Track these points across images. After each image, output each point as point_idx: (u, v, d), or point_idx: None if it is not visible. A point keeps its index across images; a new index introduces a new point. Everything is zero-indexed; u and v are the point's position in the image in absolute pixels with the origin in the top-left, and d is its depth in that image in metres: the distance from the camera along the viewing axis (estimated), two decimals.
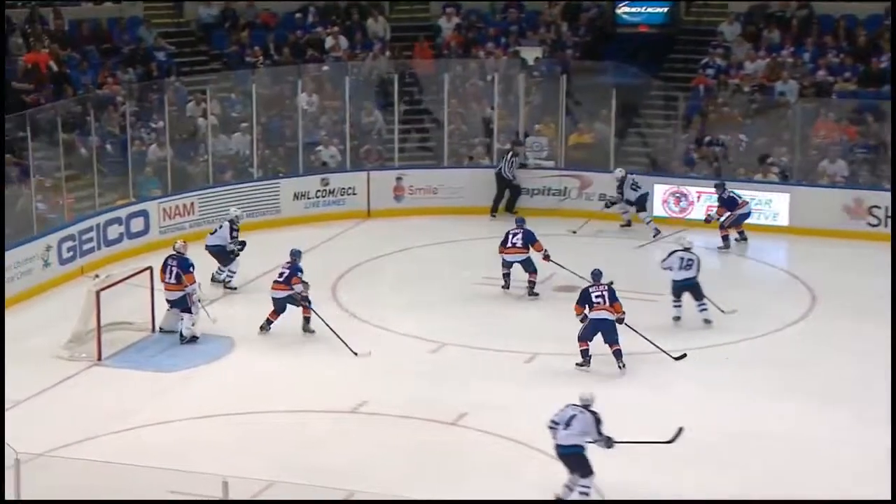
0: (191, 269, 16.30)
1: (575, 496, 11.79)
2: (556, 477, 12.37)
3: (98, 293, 15.83)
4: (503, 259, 17.91)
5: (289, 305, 16.32)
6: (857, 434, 13.50)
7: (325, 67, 24.14)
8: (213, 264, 18.20)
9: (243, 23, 25.26)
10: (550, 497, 12.02)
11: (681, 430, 12.07)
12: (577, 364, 15.28)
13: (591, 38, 25.19)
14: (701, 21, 25.32)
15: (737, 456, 13.07)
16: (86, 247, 19.16)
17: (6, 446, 11.29)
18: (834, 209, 20.69)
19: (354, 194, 22.28)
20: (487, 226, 21.23)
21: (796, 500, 11.89)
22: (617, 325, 15.26)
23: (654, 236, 20.56)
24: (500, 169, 22.02)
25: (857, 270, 18.87)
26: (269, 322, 16.40)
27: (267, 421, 14.02)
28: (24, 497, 10.88)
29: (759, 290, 18.61)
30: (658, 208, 21.80)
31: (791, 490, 12.25)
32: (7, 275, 17.50)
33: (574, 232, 20.77)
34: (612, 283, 15.55)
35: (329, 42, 24.96)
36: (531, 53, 24.44)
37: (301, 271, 16.33)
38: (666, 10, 25.25)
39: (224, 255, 18.18)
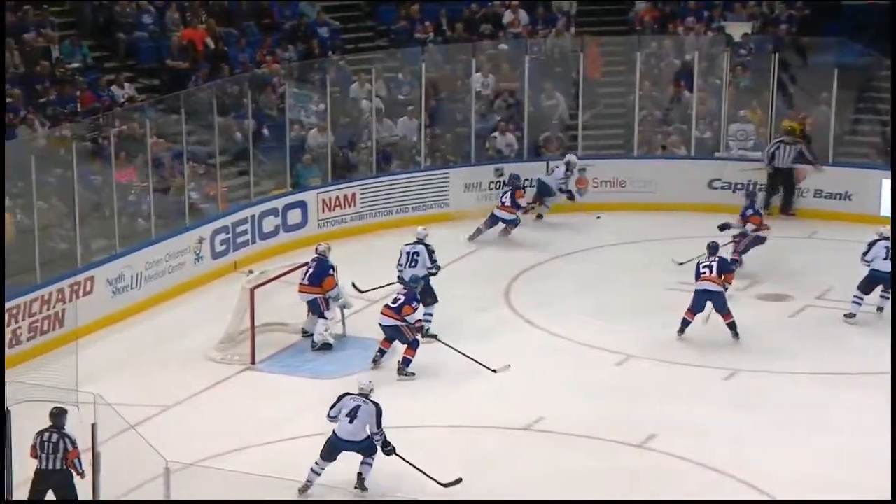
0: (330, 271, 16.52)
1: (365, 469, 12.71)
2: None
3: (252, 290, 16.18)
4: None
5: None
6: None
7: (503, 45, 24.25)
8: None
9: None
10: None
11: (459, 479, 12.67)
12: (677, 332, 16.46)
13: (809, 11, 24.76)
14: None
15: None
16: (240, 240, 19.67)
17: (154, 452, 11.79)
18: None
19: (532, 186, 22.26)
20: (682, 224, 21.11)
21: (797, 500, 11.81)
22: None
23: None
24: (772, 156, 21.84)
25: None
26: (381, 352, 15.93)
27: (430, 435, 14.27)
28: None
29: None
30: (887, 207, 21.24)
31: None
32: (157, 269, 18.22)
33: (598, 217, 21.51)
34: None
35: (508, 17, 25.08)
36: (738, 29, 24.12)
37: (418, 301, 15.88)
38: None
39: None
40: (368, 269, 18.06)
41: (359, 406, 12.53)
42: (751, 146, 22.78)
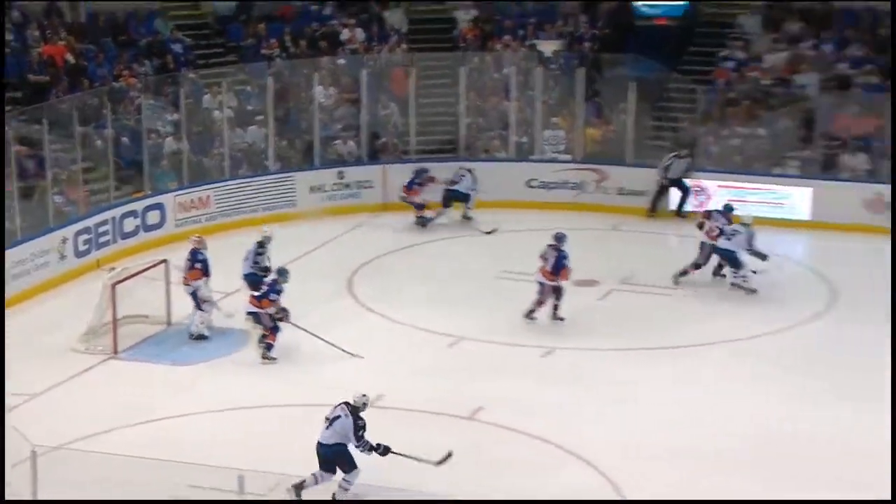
0: (196, 265, 16.22)
1: (340, 492, 11.81)
2: (579, 477, 12.36)
3: (114, 286, 15.89)
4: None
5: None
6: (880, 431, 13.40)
7: (341, 60, 24.12)
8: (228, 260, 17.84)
9: (259, 15, 25.25)
10: (537, 497, 11.95)
11: (449, 454, 11.99)
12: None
13: (609, 30, 25.11)
14: (720, 13, 25.22)
15: (756, 455, 12.98)
16: (102, 239, 19.24)
17: (21, 438, 11.34)
18: (854, 204, 20.61)
19: (371, 187, 22.32)
20: (506, 220, 21.21)
21: (796, 501, 11.74)
22: None
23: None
24: (666, 168, 21.67)
25: (877, 266, 18.76)
26: (268, 346, 15.55)
27: (282, 414, 14.05)
28: (40, 489, 10.91)
29: (777, 286, 18.47)
30: (677, 202, 21.80)
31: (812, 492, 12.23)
32: (23, 267, 17.68)
33: (488, 232, 20.76)
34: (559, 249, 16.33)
35: (345, 34, 24.93)
36: (549, 46, 24.40)
37: (278, 293, 15.51)
38: (685, 2, 25.16)
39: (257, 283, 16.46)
40: (223, 266, 17.62)
41: (338, 417, 11.78)
42: (562, 150, 22.98)
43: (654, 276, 18.23)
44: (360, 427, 11.78)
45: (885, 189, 20.59)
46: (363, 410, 11.86)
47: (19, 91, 21.12)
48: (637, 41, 24.54)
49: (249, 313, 15.63)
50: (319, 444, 11.85)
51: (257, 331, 15.73)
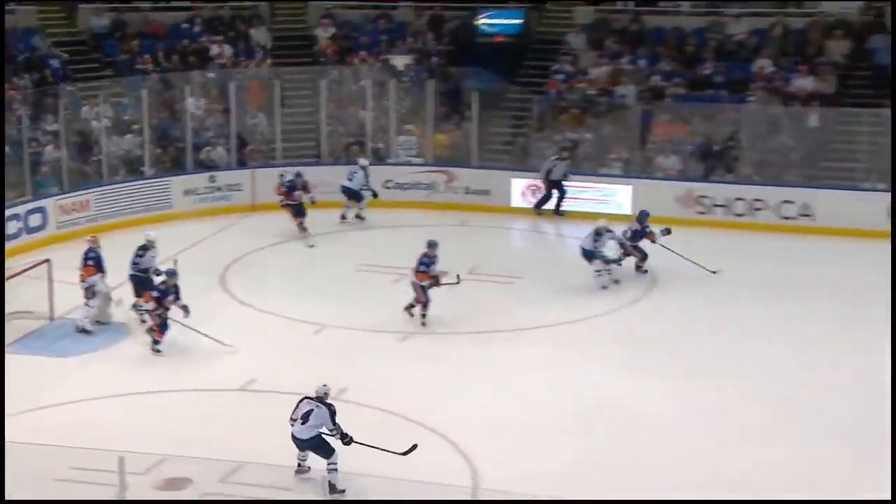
0: (88, 262, 15.79)
1: (332, 476, 11.39)
2: (430, 445, 12.38)
3: None
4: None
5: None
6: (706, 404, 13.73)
7: (211, 74, 23.73)
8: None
9: (133, 32, 24.69)
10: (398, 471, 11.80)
11: (415, 445, 11.56)
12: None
13: (454, 47, 25.23)
14: (551, 32, 25.57)
15: (582, 426, 13.19)
16: None
17: None
18: (667, 199, 21.09)
19: (240, 190, 22.02)
20: (367, 217, 21.12)
21: (797, 501, 11.31)
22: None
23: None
24: (548, 171, 21.44)
25: (688, 253, 19.23)
26: (155, 342, 15.18)
27: (161, 400, 13.75)
28: None
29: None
30: (517, 200, 21.99)
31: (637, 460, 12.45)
32: None
33: (311, 246, 19.79)
34: (430, 254, 15.88)
35: (214, 50, 24.53)
36: (400, 61, 24.43)
37: (165, 294, 15.01)
38: (520, 21, 25.42)
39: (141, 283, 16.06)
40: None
41: (311, 410, 11.36)
42: (414, 154, 23.00)
43: (497, 267, 18.35)
44: (334, 413, 11.42)
45: (696, 186, 21.15)
46: (327, 399, 11.52)
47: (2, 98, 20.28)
48: (478, 56, 24.72)
49: (137, 308, 15.45)
50: (297, 439, 11.47)
51: (144, 325, 15.45)
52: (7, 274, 15.76)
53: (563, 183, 21.57)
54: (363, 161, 21.47)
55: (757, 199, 20.78)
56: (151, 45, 24.42)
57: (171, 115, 22.65)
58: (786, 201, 20.60)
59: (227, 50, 24.63)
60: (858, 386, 14.06)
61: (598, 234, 17.56)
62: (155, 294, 15.10)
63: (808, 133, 21.63)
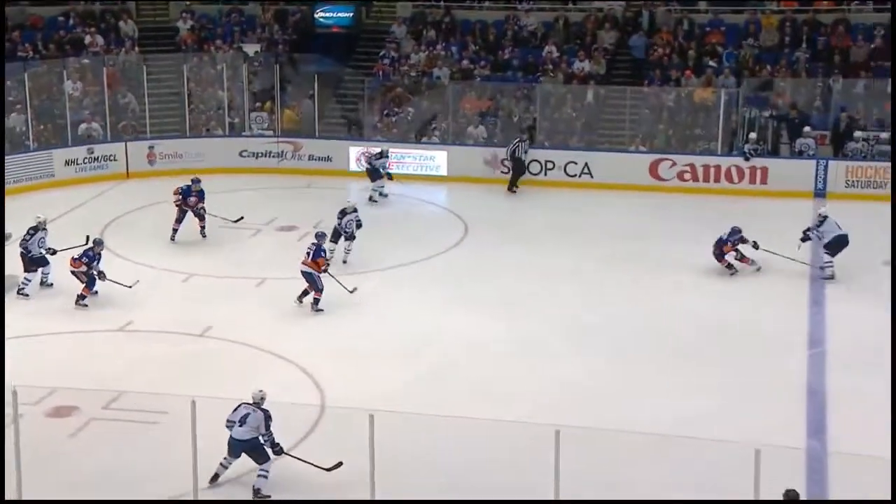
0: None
1: (259, 482, 10.17)
2: (285, 373, 12.31)
3: None
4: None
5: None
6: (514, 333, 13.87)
7: (86, 60, 22.60)
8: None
9: (13, 24, 23.26)
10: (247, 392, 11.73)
11: (339, 463, 10.23)
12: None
13: (296, 36, 24.75)
14: (378, 23, 25.34)
15: (412, 353, 13.33)
16: None
17: None
18: (477, 162, 21.33)
19: (115, 160, 21.11)
20: (223, 182, 20.54)
21: (796, 501, 10.78)
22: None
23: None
24: (514, 151, 20.28)
25: (498, 207, 19.53)
26: (82, 297, 14.50)
27: (50, 341, 13.31)
28: None
29: (427, 225, 18.87)
30: (353, 165, 21.83)
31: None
32: None
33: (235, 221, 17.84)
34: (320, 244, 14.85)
35: (88, 40, 23.38)
36: (251, 48, 23.83)
37: (90, 258, 14.52)
38: (351, 14, 25.12)
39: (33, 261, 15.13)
40: None
41: (248, 413, 10.12)
42: (266, 127, 22.51)
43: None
44: (269, 418, 10.19)
45: (499, 151, 21.40)
46: (263, 404, 10.25)
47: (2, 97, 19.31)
48: (318, 44, 24.32)
49: (73, 272, 14.57)
50: (234, 441, 10.17)
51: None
52: None
53: (523, 160, 20.59)
54: (385, 149, 20.27)
55: (549, 161, 21.23)
56: (31, 35, 23.10)
57: (51, 97, 21.50)
58: (570, 162, 21.12)
59: (100, 39, 23.50)
60: (639, 312, 14.42)
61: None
62: (85, 259, 14.49)
63: (586, 107, 22.21)
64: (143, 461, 10.47)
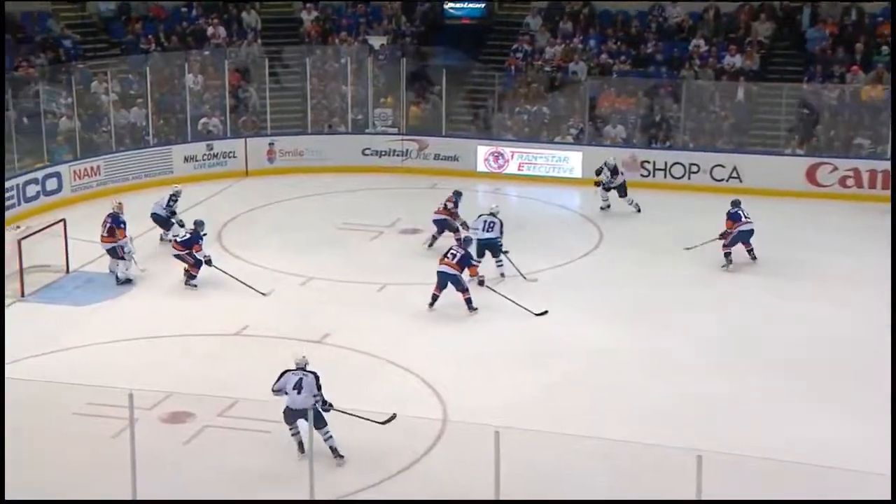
0: (122, 225, 15.74)
1: (330, 441, 10.76)
2: (405, 382, 12.45)
3: (20, 241, 15.29)
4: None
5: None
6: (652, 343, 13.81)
7: (207, 53, 23.44)
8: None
9: (137, 16, 24.33)
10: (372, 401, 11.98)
11: (394, 416, 10.84)
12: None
13: (424, 28, 25.04)
14: (511, 15, 25.36)
15: (539, 362, 13.28)
16: (8, 203, 18.25)
17: None
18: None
19: (234, 157, 21.81)
20: (342, 181, 21.00)
21: (797, 501, 10.31)
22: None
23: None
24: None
25: (635, 212, 19.29)
26: (190, 276, 15.44)
27: (166, 344, 13.75)
28: None
29: (559, 230, 18.77)
30: (481, 165, 21.94)
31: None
32: None
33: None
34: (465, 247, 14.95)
35: (210, 31, 24.21)
36: (377, 41, 24.22)
37: (201, 239, 15.45)
38: (483, 5, 25.25)
39: (163, 222, 17.11)
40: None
41: (301, 378, 10.75)
42: (390, 124, 22.85)
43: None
44: (318, 378, 10.81)
45: (639, 152, 21.19)
46: (307, 367, 10.89)
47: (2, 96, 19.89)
48: (446, 37, 24.52)
49: (176, 255, 15.47)
50: (293, 410, 10.75)
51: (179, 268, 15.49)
52: (26, 232, 15.65)
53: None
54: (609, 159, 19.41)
55: (693, 164, 20.85)
56: (153, 27, 24.05)
57: (171, 90, 22.36)
58: (717, 165, 20.68)
59: (222, 31, 24.32)
60: (786, 330, 14.15)
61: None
62: (200, 243, 15.44)
63: (736, 105, 21.69)
64: (255, 470, 10.72)
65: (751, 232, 16.32)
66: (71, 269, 16.08)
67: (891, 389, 11.63)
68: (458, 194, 17.27)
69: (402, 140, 22.39)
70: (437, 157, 22.19)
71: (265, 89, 22.56)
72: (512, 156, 21.80)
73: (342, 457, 10.74)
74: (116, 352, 13.50)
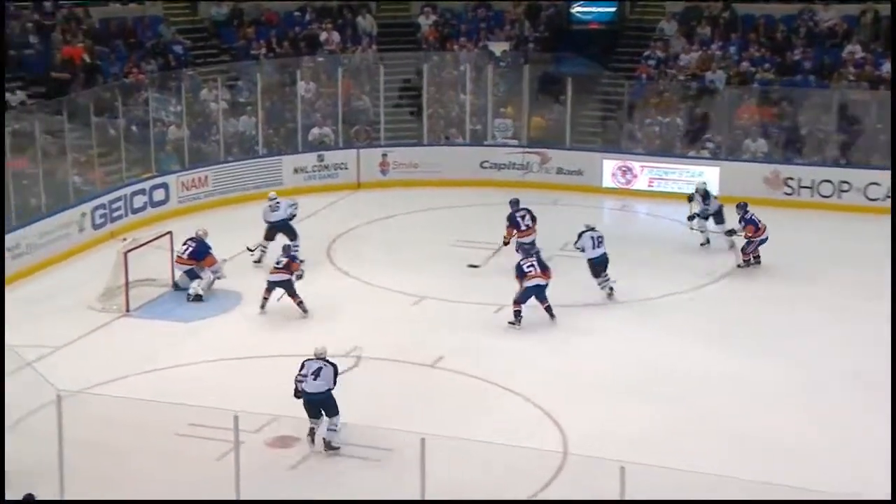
0: (210, 251, 16.15)
1: (330, 435, 11.68)
2: (522, 412, 12.38)
3: (126, 254, 15.77)
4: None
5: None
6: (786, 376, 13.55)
7: (321, 59, 23.90)
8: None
9: (249, 20, 24.97)
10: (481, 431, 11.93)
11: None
12: (508, 322, 14.95)
13: (549, 33, 25.03)
14: (643, 19, 25.19)
15: (658, 392, 13.08)
16: (115, 214, 19.04)
17: (48, 384, 11.22)
18: (756, 181, 20.69)
19: (346, 168, 22.15)
20: (460, 196, 21.12)
21: (797, 501, 10.59)
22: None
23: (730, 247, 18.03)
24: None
25: (779, 234, 18.80)
26: (265, 300, 15.55)
27: (270, 364, 13.95)
28: (64, 428, 10.80)
29: (694, 250, 18.47)
30: (608, 180, 21.78)
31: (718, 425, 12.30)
32: (48, 238, 17.55)
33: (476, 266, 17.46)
34: (539, 251, 15.56)
35: (323, 37, 24.69)
36: (498, 47, 24.30)
37: (297, 259, 15.80)
38: (613, 9, 25.12)
39: (289, 229, 17.39)
40: (228, 234, 17.66)
41: (321, 367, 11.75)
42: (510, 135, 22.90)
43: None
44: (337, 371, 11.82)
45: (782, 168, 20.72)
46: (327, 357, 11.92)
47: (43, 86, 20.87)
48: (573, 43, 24.46)
49: (273, 282, 15.43)
50: (310, 395, 11.69)
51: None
52: (132, 245, 16.15)
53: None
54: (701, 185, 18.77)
55: (843, 181, 20.26)
56: (265, 32, 24.65)
57: (282, 98, 22.88)
58: (872, 183, 20.05)
59: (336, 36, 24.76)
60: None
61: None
62: (297, 261, 15.73)
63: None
64: (363, 497, 10.81)
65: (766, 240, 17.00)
66: (174, 283, 16.46)
67: (891, 389, 11.85)
68: (514, 203, 17.32)
69: (524, 152, 22.39)
70: (559, 170, 22.13)
71: (379, 97, 22.83)
72: (641, 170, 21.57)
73: (336, 448, 11.52)
74: (221, 370, 13.82)
